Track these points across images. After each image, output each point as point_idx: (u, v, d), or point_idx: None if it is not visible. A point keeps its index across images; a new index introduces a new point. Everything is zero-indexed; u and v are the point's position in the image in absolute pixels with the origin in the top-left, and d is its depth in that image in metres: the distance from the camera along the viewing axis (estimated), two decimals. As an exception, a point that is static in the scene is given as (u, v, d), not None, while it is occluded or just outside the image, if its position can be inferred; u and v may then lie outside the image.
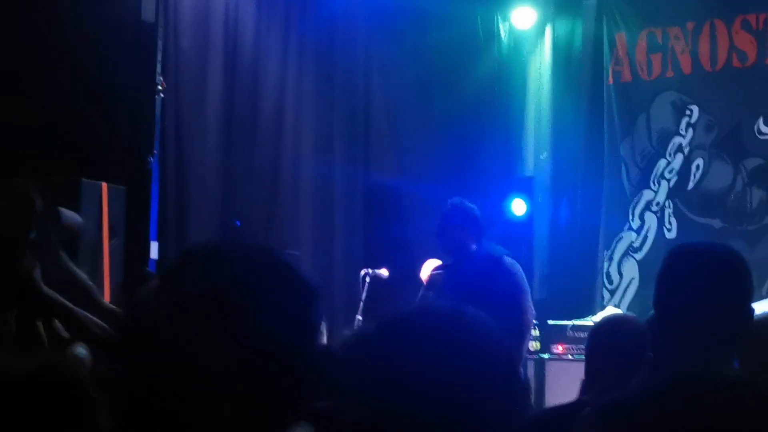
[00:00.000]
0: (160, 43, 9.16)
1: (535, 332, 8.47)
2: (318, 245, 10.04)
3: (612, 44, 10.37)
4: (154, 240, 9.16)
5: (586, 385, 3.85)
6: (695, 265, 2.63)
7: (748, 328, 2.65)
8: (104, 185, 8.37)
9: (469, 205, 6.94)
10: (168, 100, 9.30)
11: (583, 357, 4.20)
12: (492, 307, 6.29)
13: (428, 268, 8.13)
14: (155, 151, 9.19)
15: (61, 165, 8.39)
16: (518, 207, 10.32)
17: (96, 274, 8.27)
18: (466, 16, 10.47)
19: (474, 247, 6.81)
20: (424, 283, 8.18)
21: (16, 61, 8.73)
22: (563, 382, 7.50)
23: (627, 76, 10.34)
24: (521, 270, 6.96)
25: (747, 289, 2.62)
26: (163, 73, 9.20)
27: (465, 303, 5.86)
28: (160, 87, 9.16)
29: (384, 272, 8.48)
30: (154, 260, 9.02)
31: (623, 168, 10.14)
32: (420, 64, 10.32)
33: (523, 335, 6.58)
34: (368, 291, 8.29)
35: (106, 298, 8.35)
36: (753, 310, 2.66)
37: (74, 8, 8.71)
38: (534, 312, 6.95)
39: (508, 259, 6.91)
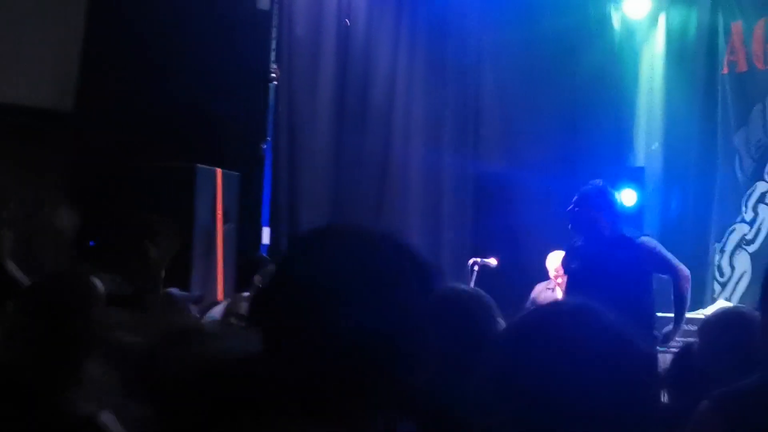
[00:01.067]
0: (274, 32, 9.34)
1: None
2: (426, 233, 10.05)
3: (727, 33, 10.11)
4: (266, 225, 9.29)
5: (698, 379, 3.76)
6: None
7: None
8: (219, 171, 8.62)
9: (610, 189, 6.96)
10: (281, 87, 9.43)
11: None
12: (622, 291, 6.06)
13: (554, 258, 8.21)
14: (268, 138, 9.36)
15: (177, 151, 8.67)
16: (628, 197, 9.99)
17: (210, 258, 8.48)
18: (579, 4, 10.35)
19: (607, 231, 6.72)
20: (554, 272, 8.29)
21: (135, 51, 8.98)
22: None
23: (743, 65, 10.07)
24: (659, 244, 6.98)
25: None
26: (277, 60, 9.38)
27: (595, 287, 5.30)
28: (273, 74, 9.34)
29: (492, 261, 8.49)
30: (266, 245, 9.15)
31: (737, 159, 9.88)
32: (531, 53, 10.26)
33: (683, 298, 6.79)
34: (476, 280, 8.27)
35: (220, 282, 8.57)
36: None
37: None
38: (687, 271, 6.92)
39: (645, 238, 6.90)
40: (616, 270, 6.37)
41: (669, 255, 6.86)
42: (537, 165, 10.35)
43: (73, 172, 9.53)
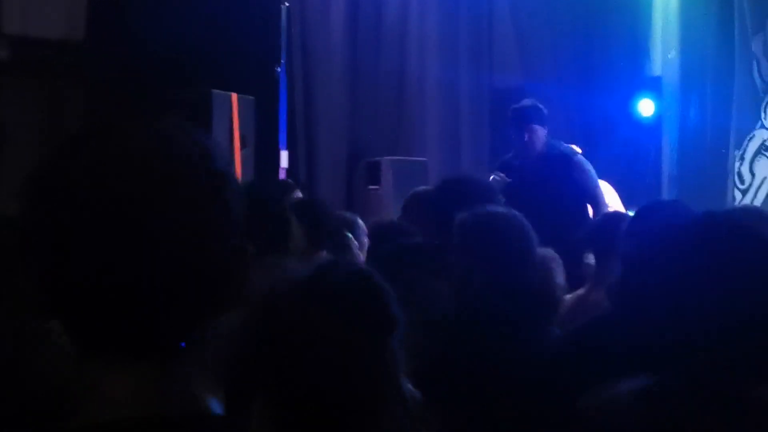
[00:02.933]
0: None
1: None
2: (445, 149, 10.00)
3: None
4: (283, 149, 9.15)
5: None
6: None
7: None
8: (234, 96, 8.51)
9: (533, 103, 7.04)
10: (293, 9, 9.21)
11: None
12: (563, 209, 6.15)
13: None
14: (282, 61, 9.14)
15: (192, 78, 8.57)
16: (646, 107, 10.22)
17: (228, 182, 8.43)
18: None
19: (540, 146, 6.83)
20: None
21: None
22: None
23: None
24: (592, 168, 6.95)
25: None
26: None
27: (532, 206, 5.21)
28: None
29: None
30: (285, 169, 9.06)
31: (755, 65, 9.71)
32: None
33: None
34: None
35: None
36: None
37: None
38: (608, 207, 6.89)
39: (579, 157, 6.88)
40: (558, 189, 6.52)
41: (597, 183, 6.89)
42: (553, 78, 10.28)
43: (87, 102, 9.55)
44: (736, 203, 9.51)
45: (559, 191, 6.51)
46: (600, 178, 7.28)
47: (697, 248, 2.16)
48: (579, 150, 7.34)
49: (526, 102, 7.10)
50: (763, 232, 2.22)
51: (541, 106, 6.96)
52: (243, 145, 8.60)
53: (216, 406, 1.25)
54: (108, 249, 1.16)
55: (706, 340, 2.00)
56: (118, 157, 1.19)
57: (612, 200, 8.07)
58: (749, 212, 3.83)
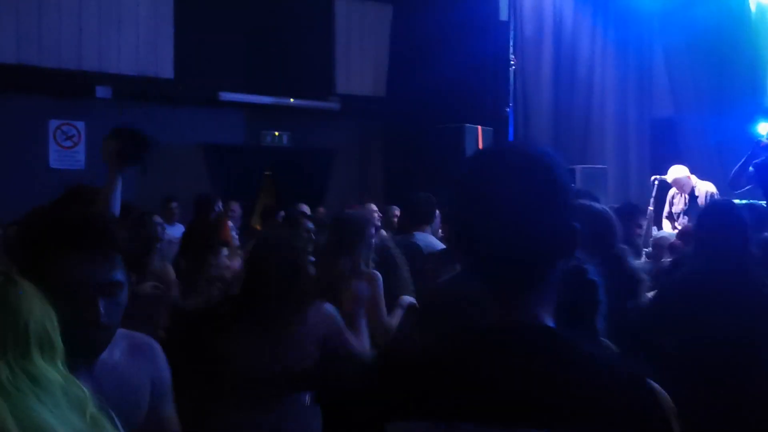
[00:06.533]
0: (511, 34, 10.82)
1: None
2: (618, 161, 11.05)
3: None
4: None
5: None
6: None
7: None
8: (479, 128, 10.00)
9: None
10: (517, 70, 10.83)
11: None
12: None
13: (673, 172, 8.46)
14: (510, 104, 10.81)
15: (453, 116, 10.05)
16: (764, 129, 10.20)
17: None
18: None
19: None
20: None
21: (421, 52, 10.60)
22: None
23: None
24: None
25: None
26: (514, 52, 10.85)
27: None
28: (512, 62, 10.86)
29: (668, 177, 8.79)
30: None
31: None
32: (690, 31, 10.98)
33: None
34: (657, 191, 8.78)
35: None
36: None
37: (461, 12, 10.40)
38: None
39: None
40: None
41: None
42: (694, 109, 11.14)
43: (384, 136, 11.31)
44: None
45: None
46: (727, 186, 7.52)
47: None
48: None
49: None
50: None
51: None
52: None
53: (550, 322, 1.37)
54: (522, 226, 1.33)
55: None
56: (515, 168, 1.34)
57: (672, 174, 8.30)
58: None
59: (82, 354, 1.83)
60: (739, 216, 3.46)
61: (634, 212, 5.61)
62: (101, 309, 1.85)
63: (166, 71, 10.81)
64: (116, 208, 3.02)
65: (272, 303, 3.16)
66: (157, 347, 2.19)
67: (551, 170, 1.36)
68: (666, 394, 1.32)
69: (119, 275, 1.91)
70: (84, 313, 1.82)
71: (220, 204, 8.28)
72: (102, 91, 10.32)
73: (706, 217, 3.60)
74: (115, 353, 2.03)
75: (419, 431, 1.33)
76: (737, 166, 6.98)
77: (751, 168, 6.81)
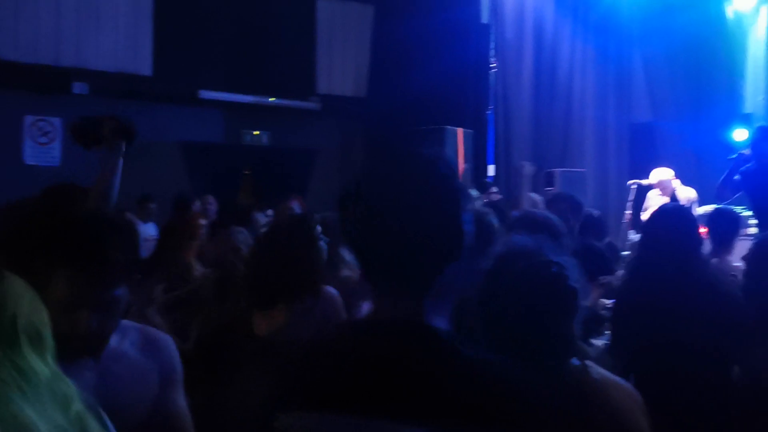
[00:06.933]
0: (492, 36, 10.84)
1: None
2: (597, 164, 11.11)
3: None
4: (491, 164, 10.73)
5: None
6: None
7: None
8: (459, 130, 10.02)
9: None
10: (498, 73, 10.82)
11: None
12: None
13: (658, 174, 8.40)
14: (490, 106, 10.82)
15: (433, 118, 10.00)
16: (741, 134, 10.76)
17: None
18: (702, 3, 11.32)
19: None
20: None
21: (404, 56, 10.53)
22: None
23: None
24: None
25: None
26: (495, 55, 10.85)
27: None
28: (493, 65, 10.87)
29: (645, 182, 8.77)
30: (491, 177, 10.58)
31: None
32: (668, 38, 11.14)
33: None
34: (635, 195, 8.87)
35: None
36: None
37: (442, 14, 10.43)
38: None
39: None
40: None
41: None
42: (672, 115, 11.27)
43: (365, 136, 11.27)
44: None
45: None
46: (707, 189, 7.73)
47: None
48: None
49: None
50: None
51: None
52: (465, 161, 9.90)
53: (442, 324, 1.40)
54: (392, 226, 1.36)
55: None
56: (404, 170, 1.39)
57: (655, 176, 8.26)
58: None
59: (77, 356, 1.87)
60: (686, 219, 3.43)
61: (597, 224, 5.63)
62: (94, 324, 1.86)
63: (145, 68, 10.67)
64: (114, 196, 2.94)
65: None
66: (170, 342, 2.19)
67: (439, 176, 1.40)
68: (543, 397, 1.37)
69: (116, 291, 1.90)
70: (75, 329, 1.83)
71: (198, 203, 8.18)
72: (79, 87, 10.19)
73: (651, 222, 3.57)
74: (125, 343, 2.05)
75: (294, 422, 1.37)
76: (723, 177, 6.83)
77: (737, 176, 6.67)
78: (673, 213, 3.57)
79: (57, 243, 1.85)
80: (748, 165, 6.65)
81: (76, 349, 1.86)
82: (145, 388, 2.05)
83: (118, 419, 1.66)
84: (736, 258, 4.60)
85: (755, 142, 6.55)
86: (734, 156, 6.79)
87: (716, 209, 5.52)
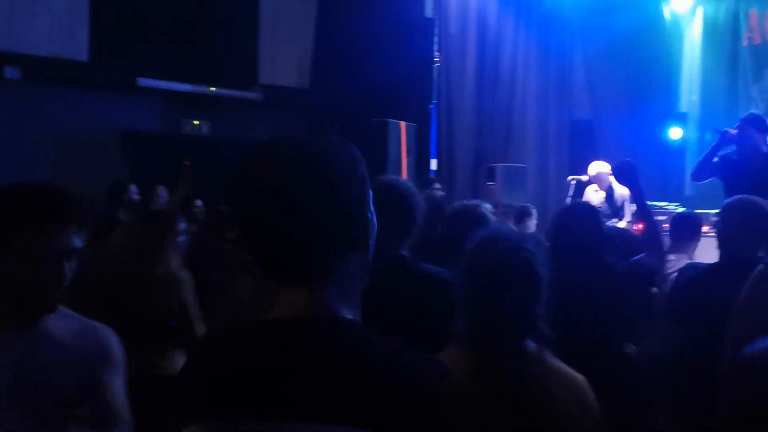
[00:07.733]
0: (436, 31, 10.72)
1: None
2: (538, 160, 11.17)
3: (747, 18, 11.36)
4: (433, 158, 10.67)
5: None
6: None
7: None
8: (403, 124, 9.94)
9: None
10: (441, 67, 10.74)
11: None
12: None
13: (595, 167, 8.59)
14: (434, 100, 10.71)
15: (376, 110, 9.96)
16: (675, 133, 11.35)
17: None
18: (640, 4, 11.53)
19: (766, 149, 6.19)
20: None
21: (348, 47, 10.39)
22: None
23: (758, 39, 11.28)
24: None
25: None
26: (439, 50, 10.74)
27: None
28: (436, 59, 10.75)
29: (584, 177, 8.95)
30: (434, 170, 10.55)
31: (753, 105, 10.78)
32: (608, 37, 11.24)
33: None
34: (574, 190, 8.88)
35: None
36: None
37: (387, 7, 10.37)
38: None
39: None
40: None
41: None
42: (611, 112, 11.41)
43: (309, 127, 10.68)
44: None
45: None
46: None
47: None
48: None
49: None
50: None
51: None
52: (408, 155, 9.85)
53: (350, 315, 1.33)
54: (297, 213, 1.28)
55: None
56: (282, 164, 1.29)
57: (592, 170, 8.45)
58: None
59: (40, 311, 2.12)
60: (591, 217, 3.61)
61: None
62: (67, 273, 2.09)
63: (81, 54, 10.27)
64: None
65: None
66: (111, 334, 2.31)
67: (329, 162, 1.33)
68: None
69: (77, 242, 2.11)
70: (50, 277, 2.06)
71: (134, 190, 7.96)
72: (11, 72, 9.81)
73: (555, 221, 3.72)
74: (60, 328, 2.19)
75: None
76: (702, 157, 6.63)
77: (716, 159, 6.47)
78: (579, 207, 3.90)
79: (18, 202, 2.06)
80: (728, 152, 6.49)
81: (34, 303, 2.10)
82: (71, 369, 2.16)
83: (42, 390, 2.04)
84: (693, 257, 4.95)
85: (740, 129, 6.36)
86: (719, 131, 6.53)
87: (679, 213, 5.76)
